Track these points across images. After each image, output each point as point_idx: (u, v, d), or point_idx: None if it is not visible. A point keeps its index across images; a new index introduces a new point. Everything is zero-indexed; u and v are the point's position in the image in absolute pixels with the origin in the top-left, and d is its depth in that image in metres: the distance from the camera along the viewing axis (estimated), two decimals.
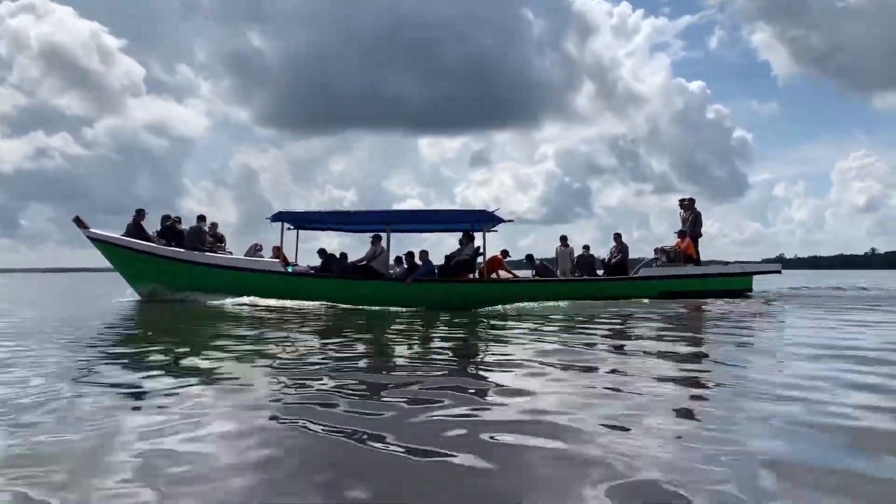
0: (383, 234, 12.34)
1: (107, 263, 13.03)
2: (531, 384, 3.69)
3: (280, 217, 12.53)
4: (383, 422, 2.83)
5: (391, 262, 12.54)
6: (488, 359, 4.97)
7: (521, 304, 10.94)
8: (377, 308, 10.64)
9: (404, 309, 10.44)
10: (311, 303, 11.17)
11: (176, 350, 5.32)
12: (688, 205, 13.30)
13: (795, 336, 6.55)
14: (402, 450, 2.40)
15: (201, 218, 13.21)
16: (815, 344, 5.47)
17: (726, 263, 13.90)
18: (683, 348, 5.33)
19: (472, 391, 3.57)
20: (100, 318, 9.19)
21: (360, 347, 5.72)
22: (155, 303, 11.98)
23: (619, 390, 3.48)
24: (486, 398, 3.38)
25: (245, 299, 11.40)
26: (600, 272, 13.14)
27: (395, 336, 6.72)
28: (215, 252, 12.74)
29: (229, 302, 11.31)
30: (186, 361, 4.71)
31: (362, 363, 4.75)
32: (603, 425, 2.73)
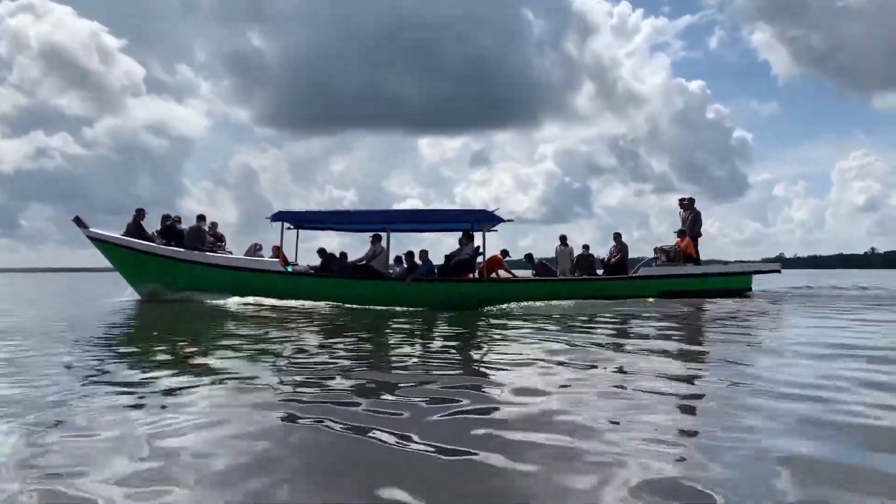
0: (383, 234, 12.34)
1: (107, 263, 13.00)
2: (541, 383, 3.71)
3: (280, 217, 12.51)
4: (402, 421, 2.83)
5: (391, 261, 12.54)
6: (496, 358, 4.97)
7: (525, 304, 10.94)
8: (380, 308, 10.63)
9: (404, 308, 10.44)
10: (311, 302, 11.16)
11: (181, 350, 5.32)
12: (687, 204, 13.33)
13: (799, 335, 6.57)
14: (426, 448, 2.41)
15: (201, 218, 13.19)
16: (819, 343, 5.50)
17: (726, 263, 13.94)
18: (690, 347, 5.35)
19: (485, 390, 3.59)
20: (101, 317, 9.17)
21: (367, 347, 5.72)
22: (155, 302, 11.96)
23: (628, 389, 3.50)
24: (500, 397, 3.38)
25: (246, 299, 11.39)
26: (600, 272, 13.16)
27: (398, 335, 6.73)
28: (215, 252, 12.72)
29: (232, 302, 11.29)
30: (193, 360, 4.71)
31: (371, 362, 4.76)
32: (615, 423, 2.75)
